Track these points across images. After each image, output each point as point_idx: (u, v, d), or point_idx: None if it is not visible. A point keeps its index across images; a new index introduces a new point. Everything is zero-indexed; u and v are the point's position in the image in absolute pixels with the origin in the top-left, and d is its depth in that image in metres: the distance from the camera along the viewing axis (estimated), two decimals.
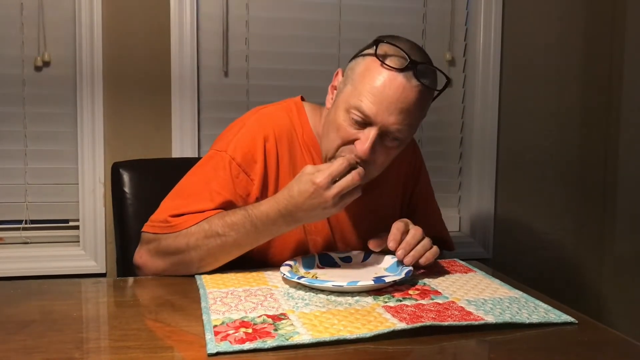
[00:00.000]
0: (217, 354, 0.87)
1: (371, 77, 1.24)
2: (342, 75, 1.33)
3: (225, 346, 0.88)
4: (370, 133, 1.24)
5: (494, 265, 2.37)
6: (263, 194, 1.33)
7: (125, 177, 1.68)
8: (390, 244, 1.22)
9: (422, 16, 2.29)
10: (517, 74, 2.35)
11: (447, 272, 1.29)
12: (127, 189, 1.66)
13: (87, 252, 2.05)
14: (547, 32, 2.37)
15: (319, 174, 1.16)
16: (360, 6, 2.23)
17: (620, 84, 2.39)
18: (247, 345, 0.88)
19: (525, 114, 2.38)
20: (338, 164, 1.16)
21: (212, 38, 2.12)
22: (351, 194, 1.18)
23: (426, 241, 1.25)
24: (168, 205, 1.31)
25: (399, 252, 1.22)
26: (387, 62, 1.23)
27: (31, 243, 2.07)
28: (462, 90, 2.36)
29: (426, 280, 1.23)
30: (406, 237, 1.24)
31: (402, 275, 1.18)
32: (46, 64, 2.01)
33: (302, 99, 1.46)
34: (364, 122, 1.24)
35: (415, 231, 1.25)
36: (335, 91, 1.34)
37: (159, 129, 2.08)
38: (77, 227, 2.07)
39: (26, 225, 2.06)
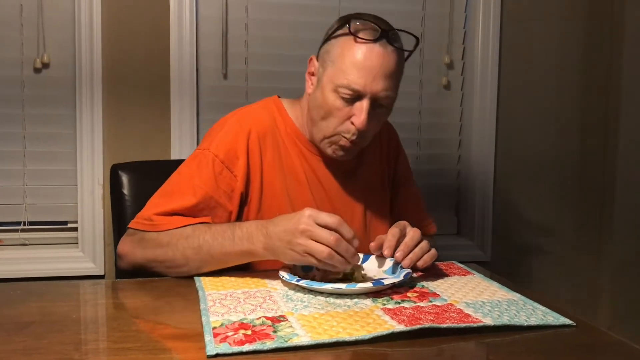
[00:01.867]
0: (217, 355, 0.87)
1: (350, 53, 1.30)
2: (317, 61, 1.40)
3: (224, 348, 0.88)
4: (363, 105, 1.31)
5: (492, 268, 2.36)
6: (247, 189, 1.37)
7: (124, 178, 1.68)
8: (385, 252, 1.22)
9: (421, 19, 2.29)
10: (516, 77, 2.36)
11: (446, 275, 1.30)
12: (126, 191, 1.67)
13: (86, 253, 2.05)
14: (546, 35, 2.37)
15: (309, 221, 1.13)
16: (359, 9, 2.21)
17: (619, 87, 2.40)
18: (247, 347, 0.88)
19: (524, 116, 2.38)
20: (326, 235, 1.12)
21: (212, 40, 2.12)
22: (315, 261, 1.16)
23: (424, 244, 1.25)
24: (153, 203, 1.35)
25: (398, 254, 1.22)
26: (361, 35, 1.30)
27: (30, 245, 2.07)
28: (461, 93, 2.36)
29: (424, 283, 1.23)
30: (405, 240, 1.24)
31: (401, 277, 1.18)
32: (45, 65, 2.01)
33: (279, 97, 1.51)
34: (354, 97, 1.31)
35: (413, 233, 1.25)
36: (313, 77, 1.40)
37: (158, 130, 2.08)
38: (75, 229, 2.07)
39: (25, 227, 2.05)
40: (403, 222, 1.28)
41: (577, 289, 2.50)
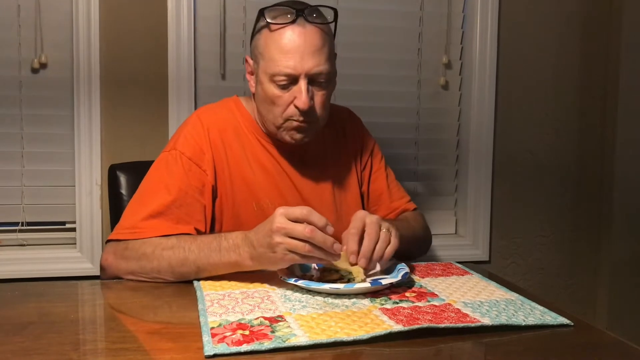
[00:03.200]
0: (215, 356, 0.87)
1: (274, 42, 1.34)
2: (252, 59, 1.44)
3: (222, 348, 0.88)
4: (301, 86, 1.34)
5: (491, 268, 2.38)
6: (217, 182, 1.40)
7: (122, 179, 1.68)
8: (351, 259, 1.18)
9: (419, 19, 2.29)
10: (514, 76, 2.36)
11: (444, 275, 1.30)
12: (123, 191, 1.67)
13: (84, 254, 2.05)
14: (544, 35, 2.37)
15: (281, 219, 1.13)
16: (357, 10, 2.23)
17: (617, 86, 2.40)
18: (245, 347, 0.89)
19: (522, 116, 2.39)
20: (301, 228, 1.11)
21: (209, 40, 2.12)
22: (298, 257, 1.14)
23: (384, 235, 1.20)
24: (130, 212, 1.35)
25: (361, 262, 1.18)
26: (278, 21, 1.34)
27: (28, 245, 2.07)
28: (459, 93, 2.36)
29: (423, 283, 1.23)
30: (363, 243, 1.18)
31: (399, 277, 1.18)
32: (43, 66, 2.01)
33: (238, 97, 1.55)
34: (290, 81, 1.34)
35: (369, 231, 1.19)
36: (252, 76, 1.45)
37: (156, 131, 2.08)
38: (73, 229, 2.07)
39: (23, 227, 2.05)
40: (360, 216, 1.23)
41: (575, 288, 2.50)
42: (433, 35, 2.31)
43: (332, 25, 1.42)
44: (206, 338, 0.92)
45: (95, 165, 2.03)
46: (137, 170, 1.71)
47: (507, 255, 2.42)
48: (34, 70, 2.00)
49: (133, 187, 1.65)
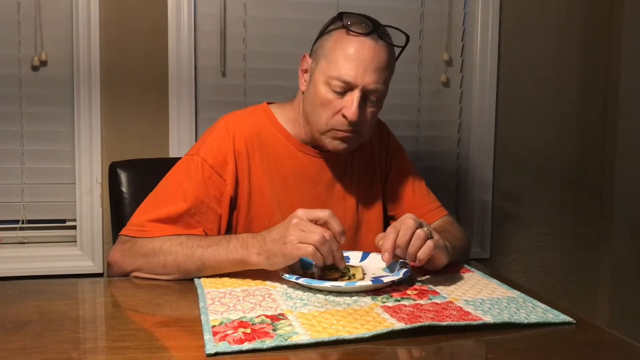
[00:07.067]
0: (216, 354, 0.86)
1: (343, 46, 1.33)
2: (310, 57, 1.42)
3: (223, 346, 0.88)
4: (354, 96, 1.32)
5: (492, 266, 2.38)
6: (236, 193, 1.38)
7: (123, 176, 1.68)
8: (384, 257, 1.17)
9: (420, 17, 2.29)
10: (515, 74, 2.35)
11: (445, 272, 1.29)
12: (124, 189, 1.66)
13: (84, 252, 2.05)
14: (545, 32, 2.37)
15: (301, 214, 1.16)
16: (358, 6, 2.21)
17: (618, 84, 2.40)
18: (246, 346, 0.88)
19: (523, 114, 2.38)
20: (315, 229, 1.14)
21: (210, 38, 2.12)
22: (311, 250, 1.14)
23: (420, 233, 1.17)
24: (144, 209, 1.34)
25: (392, 255, 1.17)
26: (354, 29, 1.33)
27: (28, 243, 2.06)
28: (460, 91, 2.36)
29: (424, 280, 1.23)
30: (398, 236, 1.17)
31: (400, 275, 1.18)
32: (43, 63, 2.00)
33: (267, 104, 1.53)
34: (345, 90, 1.32)
35: (405, 227, 1.17)
36: (306, 74, 1.43)
37: (157, 128, 2.08)
38: (74, 227, 2.07)
39: (23, 225, 2.05)
40: (402, 217, 1.22)
41: (575, 286, 2.50)
42: (434, 32, 2.31)
43: (398, 50, 1.40)
44: (207, 336, 0.91)
45: (96, 163, 2.03)
46: (138, 168, 1.72)
47: (508, 253, 2.42)
48: (34, 68, 2.00)
49: (134, 185, 1.66)
